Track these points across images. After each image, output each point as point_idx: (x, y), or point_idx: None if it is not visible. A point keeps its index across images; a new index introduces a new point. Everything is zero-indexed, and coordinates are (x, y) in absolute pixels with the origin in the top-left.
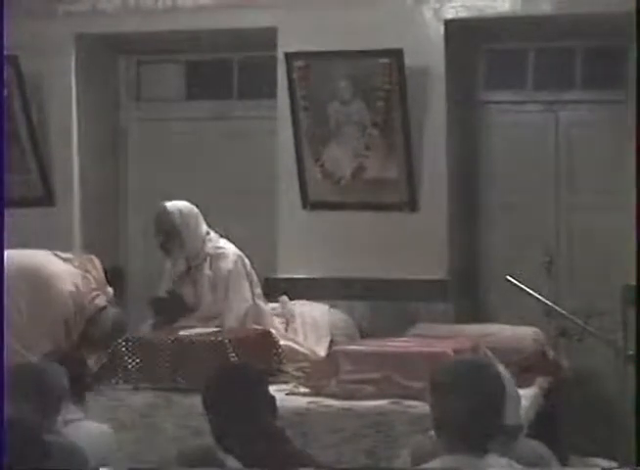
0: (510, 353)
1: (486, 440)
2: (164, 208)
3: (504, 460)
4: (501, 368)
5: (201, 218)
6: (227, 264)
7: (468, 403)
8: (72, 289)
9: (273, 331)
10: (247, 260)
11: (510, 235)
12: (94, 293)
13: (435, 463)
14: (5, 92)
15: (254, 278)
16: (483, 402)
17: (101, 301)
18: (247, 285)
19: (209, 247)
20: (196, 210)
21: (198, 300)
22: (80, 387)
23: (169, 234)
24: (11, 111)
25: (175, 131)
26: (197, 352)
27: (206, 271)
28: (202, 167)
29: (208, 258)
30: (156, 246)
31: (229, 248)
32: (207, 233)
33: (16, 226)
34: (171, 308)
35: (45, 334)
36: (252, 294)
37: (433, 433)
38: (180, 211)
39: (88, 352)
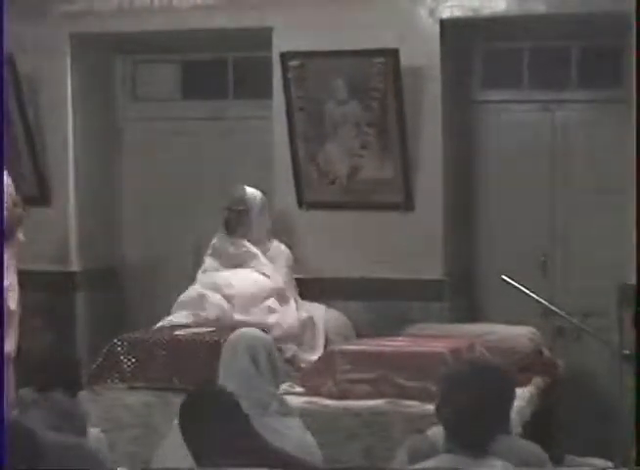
0: (506, 353)
1: (487, 441)
2: (245, 189)
3: (500, 463)
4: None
5: (267, 211)
6: (288, 261)
7: (473, 404)
8: None
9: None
10: None
11: (506, 235)
12: None
13: (433, 462)
14: None
15: None
16: (489, 404)
17: None
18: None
19: (272, 239)
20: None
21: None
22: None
23: (241, 214)
24: (6, 110)
25: (171, 131)
26: (193, 352)
27: (265, 259)
28: (197, 167)
29: (270, 247)
30: (151, 245)
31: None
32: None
33: None
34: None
35: None
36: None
37: (428, 433)
38: (256, 197)
39: None
